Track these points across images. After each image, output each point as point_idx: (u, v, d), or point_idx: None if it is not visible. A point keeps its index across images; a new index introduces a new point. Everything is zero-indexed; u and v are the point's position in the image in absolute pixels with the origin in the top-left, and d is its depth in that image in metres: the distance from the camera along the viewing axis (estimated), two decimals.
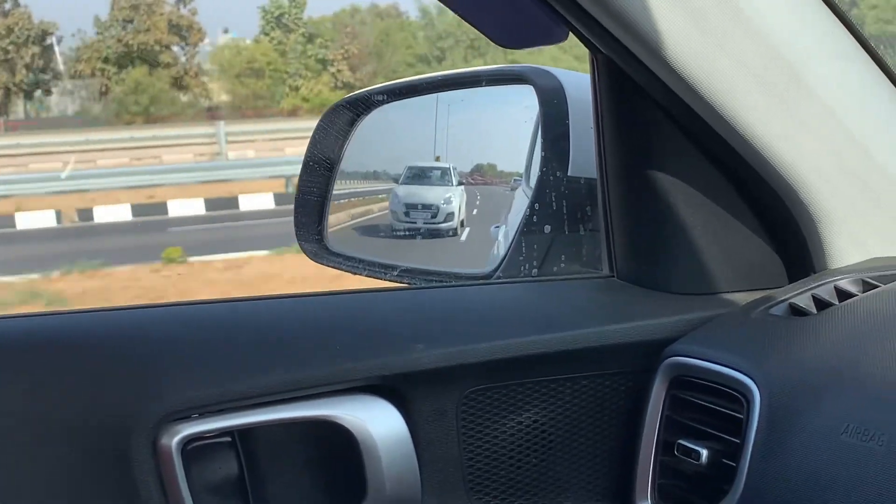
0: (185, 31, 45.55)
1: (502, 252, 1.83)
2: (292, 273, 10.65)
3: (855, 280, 1.34)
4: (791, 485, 1.13)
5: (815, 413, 1.14)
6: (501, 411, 1.41)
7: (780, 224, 1.47)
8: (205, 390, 1.30)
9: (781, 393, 1.19)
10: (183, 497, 1.29)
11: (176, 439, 1.28)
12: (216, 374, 1.31)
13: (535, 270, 1.73)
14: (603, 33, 1.32)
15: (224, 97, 44.24)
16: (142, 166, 22.21)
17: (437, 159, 1.91)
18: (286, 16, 44.33)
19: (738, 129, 1.34)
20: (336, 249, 1.97)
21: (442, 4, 1.40)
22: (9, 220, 17.46)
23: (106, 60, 43.17)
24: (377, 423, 1.35)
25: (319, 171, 1.97)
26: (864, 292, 1.31)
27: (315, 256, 1.96)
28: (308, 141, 1.98)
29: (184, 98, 44.09)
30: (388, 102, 1.95)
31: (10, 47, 41.77)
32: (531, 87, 1.77)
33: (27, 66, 41.98)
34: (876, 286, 1.31)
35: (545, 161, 1.75)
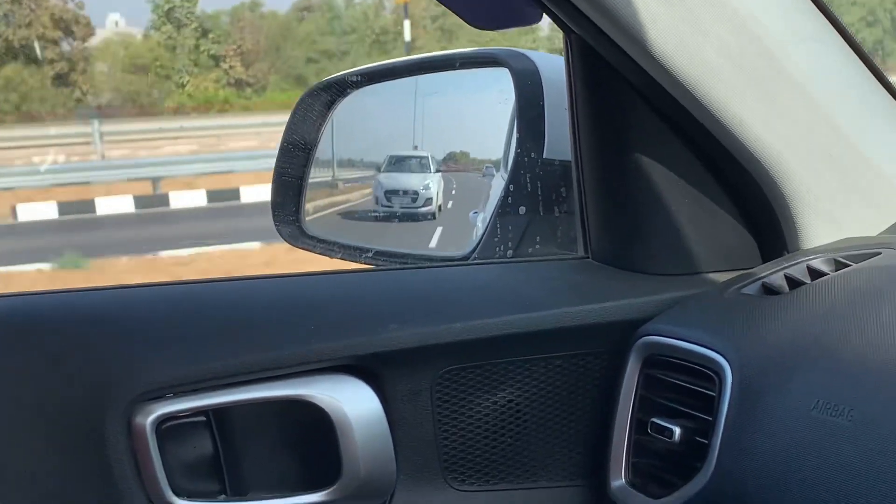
0: (71, 26, 44.15)
1: (479, 235, 1.84)
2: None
3: (827, 259, 1.34)
4: (762, 461, 1.14)
5: (786, 390, 1.14)
6: (476, 391, 1.42)
7: (753, 204, 1.47)
8: (179, 370, 1.30)
9: (753, 370, 1.20)
10: (157, 476, 1.29)
11: (150, 418, 1.28)
12: (191, 354, 1.31)
13: (510, 252, 1.74)
14: (575, 13, 1.32)
15: (109, 94, 43.05)
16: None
17: (416, 148, 1.96)
18: (178, 10, 43.01)
19: (712, 109, 1.35)
20: (312, 233, 1.97)
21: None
22: None
23: None
24: (352, 402, 1.35)
25: (296, 154, 1.97)
26: (835, 271, 1.32)
27: (291, 239, 1.96)
28: (284, 126, 1.98)
29: (64, 94, 42.57)
30: (363, 85, 1.95)
31: None
32: (506, 70, 1.77)
33: None
34: (847, 265, 1.32)
35: (521, 143, 1.75)
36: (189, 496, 1.33)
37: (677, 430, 1.28)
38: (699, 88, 1.33)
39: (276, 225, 1.98)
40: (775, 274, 1.35)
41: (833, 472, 1.04)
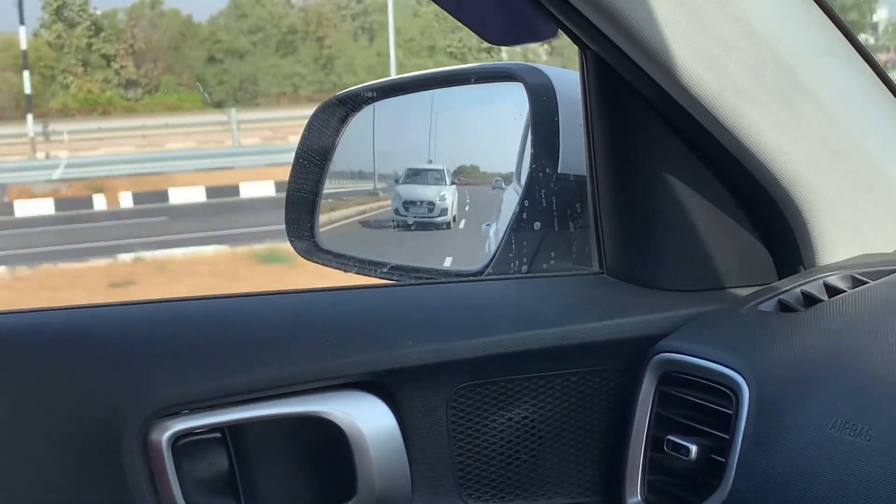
0: None
1: (493, 249, 1.84)
2: None
3: (844, 276, 1.34)
4: (779, 480, 1.13)
5: (803, 408, 1.14)
6: (491, 407, 1.41)
7: (769, 220, 1.47)
8: (195, 386, 1.30)
9: (770, 388, 1.19)
10: (173, 493, 1.29)
11: (166, 435, 1.28)
12: (206, 370, 1.31)
13: (524, 267, 1.74)
14: (592, 30, 1.32)
15: None
16: None
17: (430, 162, 2.02)
18: (69, 7, 39.91)
19: (728, 125, 1.35)
20: (326, 247, 1.97)
21: None
22: None
23: None
24: (367, 419, 1.35)
25: (310, 168, 1.97)
26: (852, 288, 1.31)
27: (306, 254, 1.97)
28: (299, 136, 1.98)
29: None
30: (377, 100, 1.95)
31: None
32: (521, 85, 1.77)
33: None
34: (865, 282, 1.31)
35: (535, 158, 1.75)
36: None
37: (693, 448, 1.28)
38: (715, 104, 1.33)
39: (290, 240, 1.98)
40: (792, 290, 1.35)
41: (851, 492, 1.04)
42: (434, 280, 1.83)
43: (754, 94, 1.33)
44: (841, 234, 1.42)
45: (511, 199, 1.88)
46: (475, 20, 1.47)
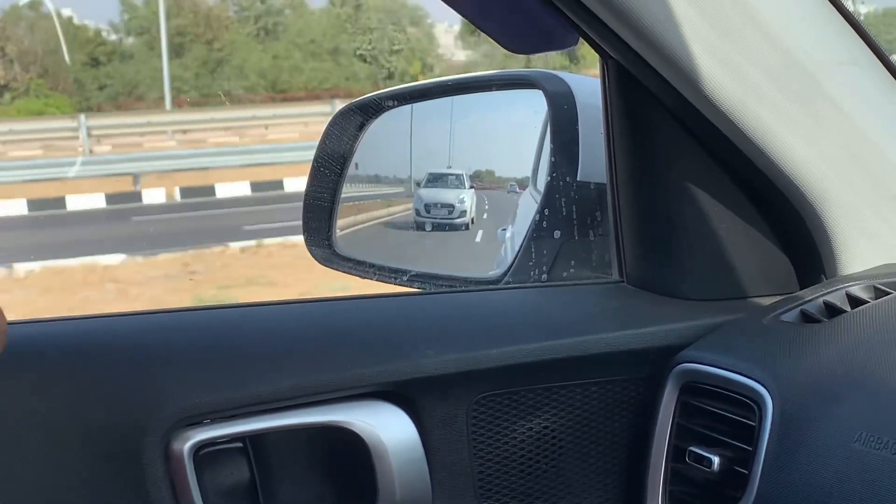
0: None
1: (510, 256, 1.84)
2: None
3: (866, 286, 1.34)
4: (803, 493, 1.13)
5: (828, 421, 1.13)
6: (512, 417, 1.41)
7: (791, 229, 1.47)
8: (216, 396, 1.30)
9: (793, 400, 1.19)
10: (195, 502, 1.29)
11: (188, 444, 1.28)
12: (228, 380, 1.31)
13: (544, 276, 1.74)
14: (613, 38, 1.32)
15: None
16: None
17: (450, 167, 2.08)
18: None
19: (750, 133, 1.34)
20: (346, 254, 1.97)
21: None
22: None
23: None
24: (388, 428, 1.35)
25: (328, 175, 1.97)
26: (875, 299, 1.31)
27: (325, 261, 1.97)
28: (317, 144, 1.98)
29: None
30: (396, 107, 1.96)
31: None
32: (540, 92, 1.77)
33: None
34: (888, 293, 1.31)
35: (554, 166, 1.75)
36: None
37: (716, 460, 1.27)
38: (738, 113, 1.33)
39: (308, 248, 1.98)
40: (814, 301, 1.34)
41: None
42: (453, 288, 1.83)
43: (777, 103, 1.33)
44: (863, 244, 1.42)
45: (527, 204, 1.88)
46: (496, 29, 1.47)
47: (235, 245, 11.49)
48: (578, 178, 1.73)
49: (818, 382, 1.19)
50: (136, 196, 16.20)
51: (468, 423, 1.39)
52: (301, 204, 2.00)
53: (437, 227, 2.13)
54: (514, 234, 1.90)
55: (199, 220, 14.59)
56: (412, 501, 1.36)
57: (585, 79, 1.78)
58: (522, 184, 1.97)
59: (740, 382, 1.27)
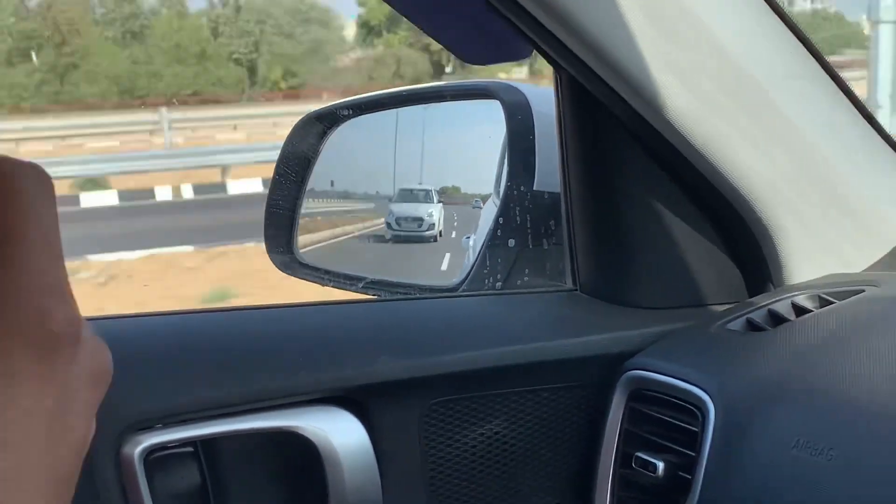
0: None
1: (470, 264, 1.86)
2: None
3: (811, 296, 1.36)
4: (743, 498, 1.15)
5: (767, 427, 1.15)
6: (464, 423, 1.43)
7: (739, 239, 1.49)
8: (167, 401, 1.31)
9: (735, 407, 1.21)
10: None
11: (138, 449, 1.29)
12: (179, 385, 1.32)
13: (499, 284, 1.75)
14: (564, 51, 1.34)
15: None
16: None
17: (420, 183, 2.17)
18: None
19: (699, 146, 1.36)
20: (305, 262, 1.99)
21: None
22: None
23: None
24: (339, 434, 1.36)
25: (287, 184, 1.98)
26: (819, 308, 1.33)
27: (285, 268, 1.98)
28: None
29: None
30: (353, 117, 1.97)
31: None
32: (497, 102, 1.79)
33: None
34: (831, 302, 1.33)
35: (511, 175, 1.77)
36: None
37: (661, 465, 1.29)
38: (687, 125, 1.35)
39: (269, 255, 1.99)
40: (760, 310, 1.37)
41: None
42: (408, 296, 1.85)
43: (724, 114, 1.35)
44: (809, 254, 1.44)
45: (489, 213, 1.90)
46: (451, 40, 1.49)
47: None
48: (534, 188, 1.75)
49: (760, 389, 1.21)
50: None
51: (420, 429, 1.41)
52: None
53: (408, 240, 2.22)
54: (476, 242, 1.92)
55: None
56: None
57: (542, 89, 1.79)
58: (486, 199, 2.00)
59: (684, 389, 1.29)
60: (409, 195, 2.19)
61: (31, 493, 0.58)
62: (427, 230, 2.16)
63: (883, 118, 9.24)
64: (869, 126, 1.46)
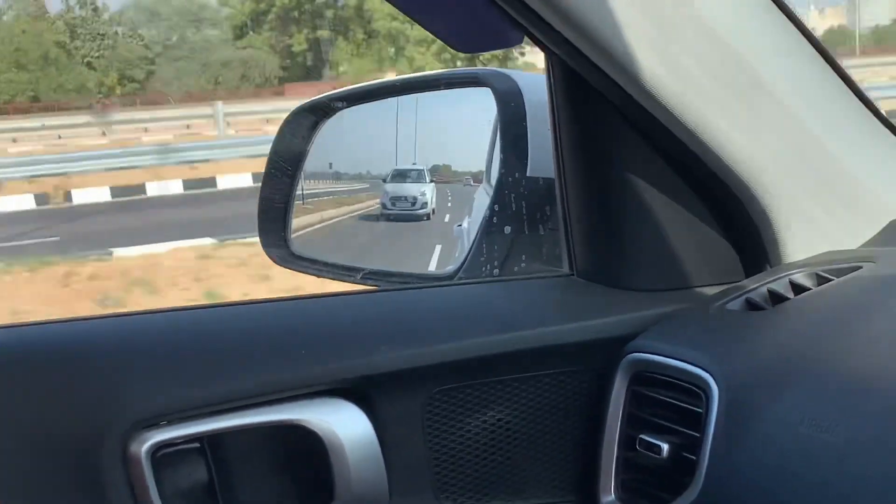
0: None
1: (465, 252, 1.86)
2: None
3: (809, 274, 1.36)
4: (749, 476, 1.15)
5: (772, 406, 1.16)
6: (466, 411, 1.43)
7: (735, 219, 1.49)
8: (173, 397, 1.31)
9: (739, 387, 1.22)
10: (153, 503, 1.30)
11: (145, 446, 1.29)
12: (184, 382, 1.32)
13: (496, 271, 1.76)
14: (555, 35, 1.34)
15: None
16: None
17: (414, 164, 2.21)
18: None
19: (692, 126, 1.37)
20: (301, 253, 1.99)
21: None
22: None
23: None
24: (344, 425, 1.36)
25: (281, 177, 1.99)
26: (817, 286, 1.34)
27: (282, 262, 1.98)
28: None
29: None
30: (346, 108, 1.97)
31: None
32: (489, 90, 1.79)
33: None
34: (829, 279, 1.34)
35: (504, 162, 1.77)
36: None
37: (665, 447, 1.30)
38: (678, 107, 1.35)
39: (265, 249, 2.00)
40: (758, 289, 1.37)
41: (819, 489, 1.06)
42: (407, 285, 1.85)
43: (716, 95, 1.35)
44: (805, 232, 1.45)
45: (482, 200, 1.91)
46: (441, 28, 1.49)
47: None
48: (528, 174, 1.75)
49: (763, 368, 1.21)
50: None
51: (423, 419, 1.41)
52: None
53: (402, 218, 2.30)
54: (470, 229, 1.92)
55: None
56: (369, 497, 1.38)
57: (534, 76, 1.80)
58: (477, 177, 2.01)
59: (687, 370, 1.29)
60: (402, 175, 2.26)
61: None
62: (420, 209, 2.22)
63: None
64: (860, 103, 1.47)
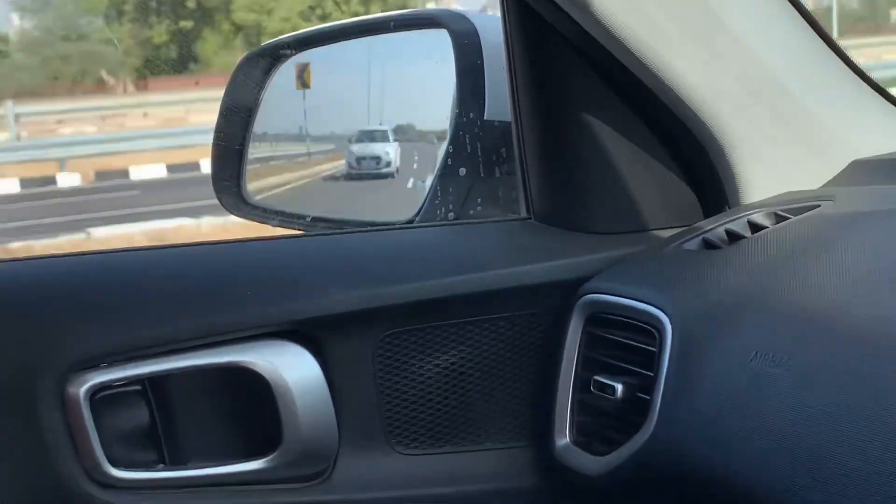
0: None
1: (422, 199, 1.83)
2: None
3: (767, 213, 1.34)
4: (702, 413, 1.13)
5: (724, 342, 1.14)
6: (419, 354, 1.41)
7: (694, 161, 1.47)
8: (113, 339, 1.28)
9: (691, 324, 1.20)
10: (93, 447, 1.27)
11: (84, 388, 1.26)
12: (125, 323, 1.30)
13: (452, 215, 1.73)
14: None
15: None
16: None
17: (381, 124, 2.27)
18: None
19: (651, 66, 1.34)
20: (252, 202, 1.95)
21: None
22: None
23: None
24: (291, 368, 1.34)
25: (235, 123, 1.95)
26: (775, 224, 1.32)
27: (233, 209, 1.95)
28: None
29: None
30: (294, 54, 1.94)
31: None
32: (445, 32, 1.75)
33: None
34: (787, 218, 1.32)
35: (461, 105, 1.74)
36: (127, 466, 1.31)
37: (619, 387, 1.28)
38: (636, 44, 1.32)
39: (217, 195, 1.96)
40: (716, 229, 1.35)
41: (771, 421, 1.04)
42: (360, 229, 1.82)
43: (674, 34, 1.33)
44: (764, 173, 1.43)
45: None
46: None
47: None
48: (485, 117, 1.72)
49: (716, 305, 1.19)
50: None
51: (374, 362, 1.39)
52: None
53: (367, 177, 2.44)
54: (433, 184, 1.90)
55: None
56: (318, 441, 1.35)
57: (492, 17, 1.76)
58: (441, 136, 1.98)
59: (641, 309, 1.27)
60: (367, 135, 2.33)
61: None
62: (385, 167, 2.31)
63: None
64: (824, 44, 1.45)
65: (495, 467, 1.45)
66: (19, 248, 7.60)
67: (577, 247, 1.46)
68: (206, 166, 2.27)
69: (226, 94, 1.97)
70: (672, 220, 1.49)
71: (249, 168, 1.97)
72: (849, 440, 0.95)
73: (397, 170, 2.33)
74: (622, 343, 1.31)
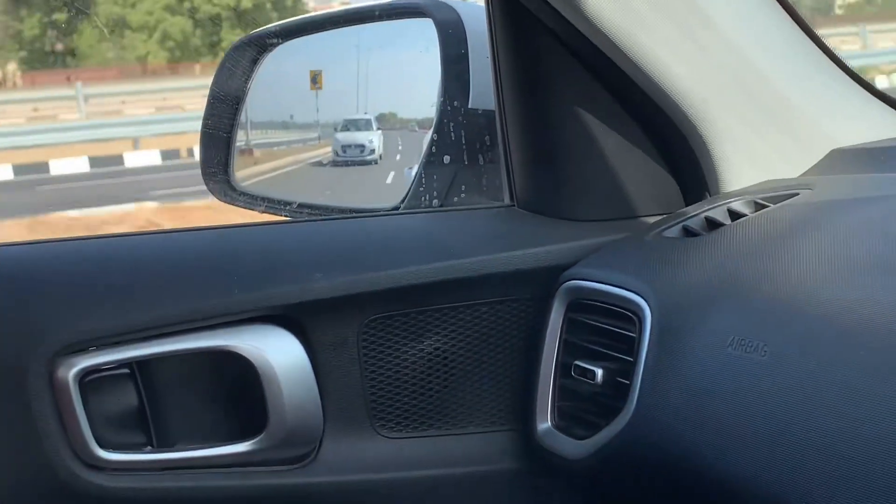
0: None
1: (407, 187, 1.85)
2: None
3: (747, 201, 1.36)
4: (680, 398, 1.15)
5: (703, 328, 1.16)
6: (403, 339, 1.42)
7: (675, 149, 1.49)
8: (101, 323, 1.29)
9: (671, 310, 1.21)
10: (82, 430, 1.29)
11: (72, 372, 1.28)
12: (113, 307, 1.31)
13: (436, 202, 1.74)
14: None
15: None
16: None
17: (366, 113, 2.28)
18: None
19: (631, 55, 1.36)
20: (239, 188, 1.96)
21: None
22: None
23: None
24: (277, 352, 1.35)
25: (224, 110, 1.95)
26: (755, 212, 1.33)
27: (221, 195, 1.96)
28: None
29: None
30: (281, 44, 1.95)
31: None
32: (430, 21, 1.76)
33: None
34: (766, 206, 1.33)
35: (445, 93, 1.75)
36: (115, 449, 1.33)
37: (599, 372, 1.30)
38: (619, 35, 1.34)
39: (204, 181, 1.97)
40: (696, 217, 1.37)
41: (749, 406, 1.06)
42: (346, 216, 1.83)
43: (658, 25, 1.34)
44: (745, 162, 1.44)
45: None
46: None
47: None
48: (470, 106, 1.73)
49: (695, 292, 1.21)
50: None
51: (359, 346, 1.40)
52: None
53: (351, 164, 2.41)
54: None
55: None
56: (303, 424, 1.37)
57: (475, 6, 1.77)
58: (423, 124, 1.99)
59: (621, 296, 1.29)
60: (352, 124, 2.33)
61: None
62: (368, 155, 2.32)
63: None
64: (804, 34, 1.46)
65: (478, 450, 1.46)
66: None
67: (559, 234, 1.48)
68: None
69: (214, 83, 1.98)
70: (653, 208, 1.51)
71: (248, 153, 2.00)
72: (825, 424, 0.97)
73: (380, 157, 2.34)
74: (603, 329, 1.33)
